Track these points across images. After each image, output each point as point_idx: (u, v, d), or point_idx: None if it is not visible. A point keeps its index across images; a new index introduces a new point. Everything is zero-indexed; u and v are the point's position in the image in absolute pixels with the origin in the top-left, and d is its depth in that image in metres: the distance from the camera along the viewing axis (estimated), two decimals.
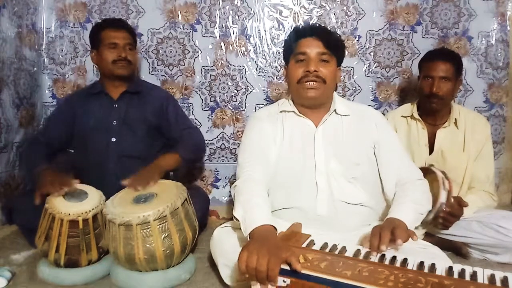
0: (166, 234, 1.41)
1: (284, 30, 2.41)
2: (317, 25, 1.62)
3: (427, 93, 1.85)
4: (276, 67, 2.42)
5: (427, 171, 1.67)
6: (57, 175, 1.59)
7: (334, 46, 1.47)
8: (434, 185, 1.63)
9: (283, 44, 1.63)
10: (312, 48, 1.43)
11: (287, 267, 0.99)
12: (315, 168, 1.43)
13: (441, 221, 1.65)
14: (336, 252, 1.09)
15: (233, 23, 2.39)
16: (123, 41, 1.88)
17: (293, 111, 1.51)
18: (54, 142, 1.91)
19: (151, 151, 1.89)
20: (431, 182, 1.64)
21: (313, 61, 1.42)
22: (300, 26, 1.58)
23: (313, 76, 1.41)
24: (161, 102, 1.97)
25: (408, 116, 1.97)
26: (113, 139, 1.88)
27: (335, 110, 1.49)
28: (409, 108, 2.00)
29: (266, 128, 1.51)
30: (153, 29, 2.38)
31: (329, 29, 1.61)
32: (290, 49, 1.50)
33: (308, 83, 1.42)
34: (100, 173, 1.80)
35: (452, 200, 1.64)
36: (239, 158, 1.51)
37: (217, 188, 2.49)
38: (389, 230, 1.14)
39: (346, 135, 1.47)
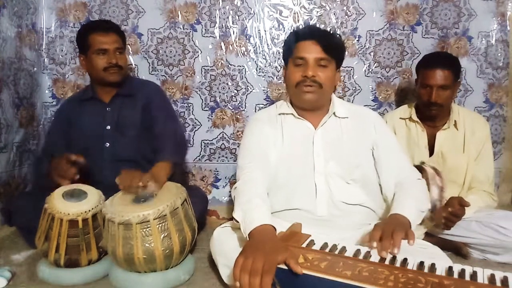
0: (166, 234, 1.40)
1: (284, 30, 2.41)
2: (317, 28, 1.60)
3: (426, 102, 1.83)
4: (276, 67, 2.42)
5: (417, 169, 1.67)
6: (69, 166, 1.64)
7: (334, 50, 1.45)
8: None
9: (283, 44, 1.63)
10: (311, 53, 1.42)
11: (286, 268, 0.99)
12: (314, 170, 1.43)
13: (443, 222, 1.65)
14: (336, 252, 1.08)
15: (233, 23, 2.39)
16: (112, 46, 1.83)
17: (292, 114, 1.51)
18: (59, 153, 1.83)
19: (146, 153, 1.86)
20: None
21: (311, 66, 1.42)
22: (300, 29, 1.57)
23: (311, 81, 1.41)
24: (149, 97, 1.92)
25: (407, 118, 1.97)
26: (107, 144, 1.87)
27: (334, 113, 1.49)
28: (407, 110, 1.99)
29: (266, 130, 1.51)
30: (153, 29, 2.38)
31: (329, 31, 1.59)
32: (289, 51, 1.49)
33: (305, 87, 1.42)
34: (96, 179, 1.77)
35: (444, 196, 1.63)
36: (238, 160, 1.50)
37: (217, 188, 2.49)
38: (389, 235, 1.10)
39: (345, 137, 1.47)
